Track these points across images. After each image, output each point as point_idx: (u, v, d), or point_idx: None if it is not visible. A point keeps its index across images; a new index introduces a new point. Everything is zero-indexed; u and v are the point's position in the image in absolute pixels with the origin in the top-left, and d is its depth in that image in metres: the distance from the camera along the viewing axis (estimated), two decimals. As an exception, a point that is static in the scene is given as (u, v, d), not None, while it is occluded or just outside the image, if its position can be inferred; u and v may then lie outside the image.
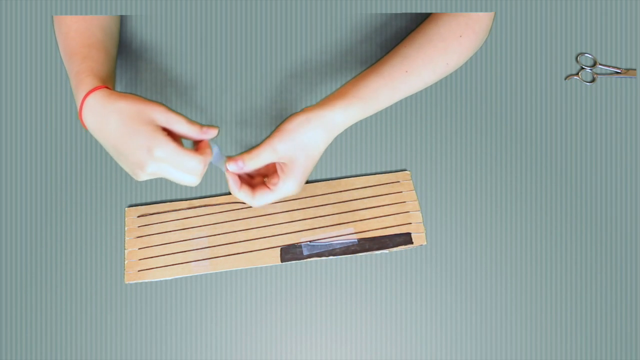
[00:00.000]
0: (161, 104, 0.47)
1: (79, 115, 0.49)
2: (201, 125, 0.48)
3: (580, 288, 0.55)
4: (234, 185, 0.50)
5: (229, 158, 0.50)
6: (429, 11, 0.58)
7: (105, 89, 0.49)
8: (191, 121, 0.47)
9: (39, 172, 0.58)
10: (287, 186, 0.50)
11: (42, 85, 0.61)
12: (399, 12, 0.62)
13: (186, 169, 0.47)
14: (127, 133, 0.46)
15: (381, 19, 0.65)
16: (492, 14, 0.57)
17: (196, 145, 0.49)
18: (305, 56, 0.63)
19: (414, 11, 0.58)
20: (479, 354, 0.53)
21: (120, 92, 0.49)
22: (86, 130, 0.59)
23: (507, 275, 0.55)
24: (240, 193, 0.50)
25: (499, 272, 0.55)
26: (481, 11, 0.56)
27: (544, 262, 0.56)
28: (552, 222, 0.57)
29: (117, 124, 0.47)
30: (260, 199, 0.50)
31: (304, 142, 0.50)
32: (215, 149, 0.49)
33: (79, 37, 0.53)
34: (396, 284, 0.55)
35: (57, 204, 0.56)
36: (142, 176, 0.48)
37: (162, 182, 0.57)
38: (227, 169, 0.50)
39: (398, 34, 0.65)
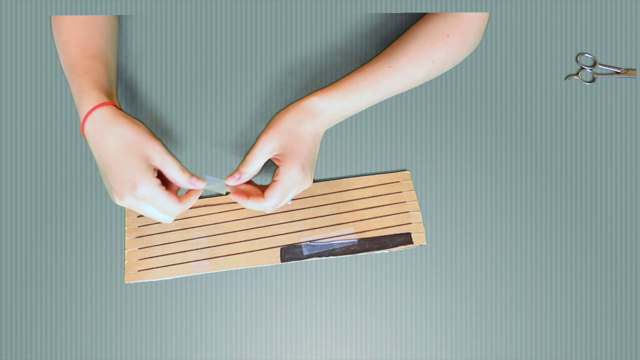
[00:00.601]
0: (161, 142, 0.48)
1: (81, 125, 0.49)
2: (191, 174, 0.49)
3: (580, 288, 0.55)
4: (241, 199, 0.51)
5: (228, 177, 0.51)
6: (426, 11, 0.58)
7: (113, 107, 0.49)
8: (183, 168, 0.49)
9: (39, 172, 0.58)
10: (290, 173, 0.50)
11: (44, 87, 0.61)
12: (396, 12, 0.62)
13: (164, 210, 0.48)
14: (120, 160, 0.47)
15: (378, 19, 0.65)
16: (484, 15, 0.57)
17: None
18: (302, 56, 0.63)
19: (411, 11, 0.58)
20: (479, 354, 0.53)
21: (128, 115, 0.50)
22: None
23: (507, 275, 0.55)
24: (250, 203, 0.50)
25: (499, 272, 0.55)
26: (480, 11, 0.56)
27: (544, 262, 0.56)
28: (552, 222, 0.57)
29: (113, 147, 0.47)
30: (271, 196, 0.50)
31: (288, 129, 0.51)
32: (209, 178, 0.50)
33: (80, 47, 0.53)
34: (396, 284, 0.55)
35: (58, 204, 0.56)
36: (118, 203, 0.48)
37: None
38: (227, 185, 0.51)
39: (395, 32, 0.65)
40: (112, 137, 0.47)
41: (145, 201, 0.47)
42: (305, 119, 0.52)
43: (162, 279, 0.54)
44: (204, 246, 0.55)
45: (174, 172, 0.48)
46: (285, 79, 0.62)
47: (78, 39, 0.53)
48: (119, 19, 0.64)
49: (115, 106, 0.50)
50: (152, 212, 0.49)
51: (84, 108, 0.49)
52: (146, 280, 0.54)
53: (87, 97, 0.49)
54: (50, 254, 0.55)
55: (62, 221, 0.56)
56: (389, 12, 0.63)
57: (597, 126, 0.61)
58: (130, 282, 0.53)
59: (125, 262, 0.54)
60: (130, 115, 0.50)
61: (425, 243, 0.56)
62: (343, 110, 0.54)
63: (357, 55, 0.63)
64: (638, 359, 0.53)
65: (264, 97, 0.62)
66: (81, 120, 0.49)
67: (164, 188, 0.48)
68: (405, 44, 0.57)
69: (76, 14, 0.55)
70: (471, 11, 0.57)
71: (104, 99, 0.49)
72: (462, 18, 0.56)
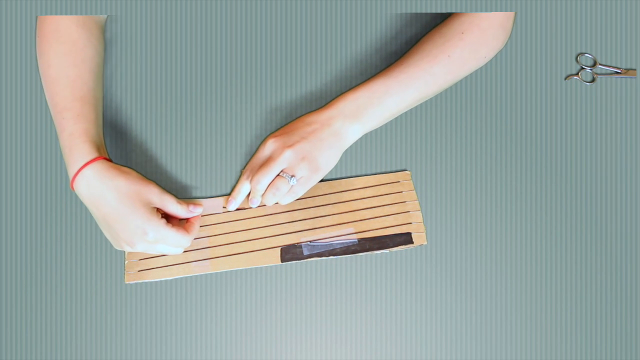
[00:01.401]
0: (155, 184, 0.51)
1: (71, 179, 0.49)
2: (188, 203, 0.52)
3: (580, 288, 0.55)
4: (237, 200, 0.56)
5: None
6: (429, 11, 0.58)
7: (103, 161, 0.50)
8: (180, 201, 0.52)
9: (39, 172, 0.58)
10: (264, 141, 0.55)
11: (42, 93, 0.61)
12: (401, 12, 0.62)
13: (176, 245, 0.51)
14: (124, 213, 0.48)
15: (392, 30, 0.65)
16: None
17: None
18: (316, 67, 0.63)
19: (416, 11, 0.58)
20: (479, 354, 0.53)
21: (118, 165, 0.51)
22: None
23: (507, 275, 0.55)
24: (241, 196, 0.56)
25: (499, 271, 0.55)
26: (480, 12, 0.56)
27: (544, 261, 0.56)
28: (552, 222, 0.57)
29: (114, 201, 0.48)
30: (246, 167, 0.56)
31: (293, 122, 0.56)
32: (205, 201, 0.55)
33: (70, 87, 0.52)
34: (396, 284, 0.55)
35: (58, 204, 0.56)
36: (129, 250, 0.51)
37: (162, 183, 0.57)
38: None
39: (410, 43, 0.65)
40: (109, 192, 0.48)
41: (158, 242, 0.49)
42: (313, 116, 0.55)
43: (162, 279, 0.54)
44: (204, 246, 0.55)
45: (173, 208, 0.51)
46: (286, 97, 0.62)
47: (68, 76, 0.52)
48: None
49: (105, 159, 0.50)
50: (165, 250, 0.51)
51: (74, 163, 0.49)
52: (146, 281, 0.53)
53: (77, 152, 0.49)
54: (51, 254, 0.55)
55: (62, 221, 0.56)
56: (397, 12, 0.63)
57: (597, 126, 0.61)
58: (130, 282, 0.53)
59: (126, 262, 0.54)
60: (120, 165, 0.51)
61: (425, 243, 0.56)
62: (356, 108, 0.54)
63: (370, 67, 0.63)
64: (638, 359, 0.53)
65: (266, 110, 0.61)
66: (71, 174, 0.49)
67: (170, 225, 0.50)
68: (419, 44, 0.57)
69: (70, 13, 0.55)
70: (471, 12, 0.57)
71: (95, 154, 0.50)
72: (478, 16, 0.56)
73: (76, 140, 0.50)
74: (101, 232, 0.55)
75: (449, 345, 0.53)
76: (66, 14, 0.55)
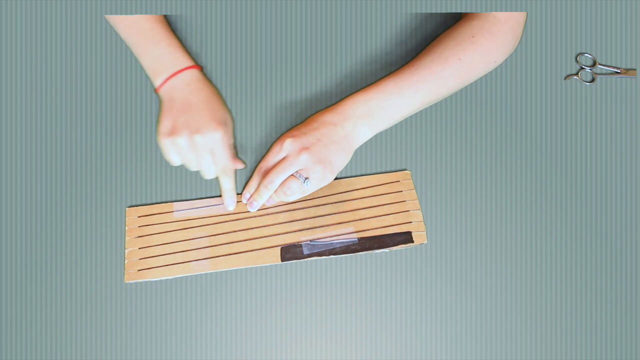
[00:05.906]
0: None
1: (173, 74, 0.56)
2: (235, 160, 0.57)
3: (580, 288, 0.55)
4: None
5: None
6: (434, 11, 0.58)
7: (201, 70, 0.58)
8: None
9: (39, 172, 0.58)
10: (279, 140, 0.55)
11: (43, 85, 0.61)
12: (413, 12, 0.62)
13: (222, 163, 0.55)
14: (212, 103, 0.56)
15: (405, 30, 0.65)
16: (515, 15, 0.57)
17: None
18: (328, 65, 0.63)
19: (428, 11, 0.58)
20: (479, 354, 0.53)
21: None
22: (93, 125, 0.59)
23: (508, 274, 0.55)
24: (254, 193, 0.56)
25: (499, 270, 0.55)
26: (480, 11, 0.57)
27: (544, 261, 0.56)
28: (552, 222, 0.57)
29: (208, 95, 0.56)
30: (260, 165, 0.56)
31: (307, 121, 0.56)
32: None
33: (153, 17, 0.59)
34: (396, 283, 0.54)
35: (58, 204, 0.56)
36: (196, 139, 0.53)
37: (162, 183, 0.57)
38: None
39: (421, 43, 0.65)
40: (206, 90, 0.56)
41: (220, 145, 0.54)
42: (328, 116, 0.55)
43: (161, 278, 0.53)
44: (204, 245, 0.55)
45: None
46: (298, 96, 0.62)
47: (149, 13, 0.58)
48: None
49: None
50: (207, 166, 0.54)
51: (179, 62, 0.56)
52: (146, 280, 0.53)
53: (182, 55, 0.57)
54: (51, 254, 0.55)
55: (62, 221, 0.56)
56: (410, 12, 0.63)
57: (597, 126, 0.61)
58: (130, 281, 0.53)
59: (125, 262, 0.54)
60: None
61: (425, 242, 0.56)
62: (368, 110, 0.54)
63: (382, 66, 0.64)
64: (638, 359, 0.53)
65: (277, 108, 0.62)
66: (175, 68, 0.56)
67: None
68: (430, 47, 0.57)
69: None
70: (472, 11, 0.57)
71: (196, 63, 0.58)
72: (488, 19, 0.56)
73: (178, 48, 0.57)
74: (101, 232, 0.55)
75: (449, 344, 0.53)
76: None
